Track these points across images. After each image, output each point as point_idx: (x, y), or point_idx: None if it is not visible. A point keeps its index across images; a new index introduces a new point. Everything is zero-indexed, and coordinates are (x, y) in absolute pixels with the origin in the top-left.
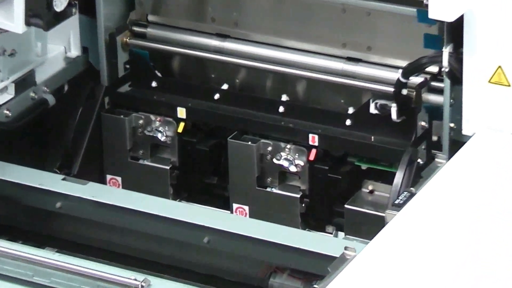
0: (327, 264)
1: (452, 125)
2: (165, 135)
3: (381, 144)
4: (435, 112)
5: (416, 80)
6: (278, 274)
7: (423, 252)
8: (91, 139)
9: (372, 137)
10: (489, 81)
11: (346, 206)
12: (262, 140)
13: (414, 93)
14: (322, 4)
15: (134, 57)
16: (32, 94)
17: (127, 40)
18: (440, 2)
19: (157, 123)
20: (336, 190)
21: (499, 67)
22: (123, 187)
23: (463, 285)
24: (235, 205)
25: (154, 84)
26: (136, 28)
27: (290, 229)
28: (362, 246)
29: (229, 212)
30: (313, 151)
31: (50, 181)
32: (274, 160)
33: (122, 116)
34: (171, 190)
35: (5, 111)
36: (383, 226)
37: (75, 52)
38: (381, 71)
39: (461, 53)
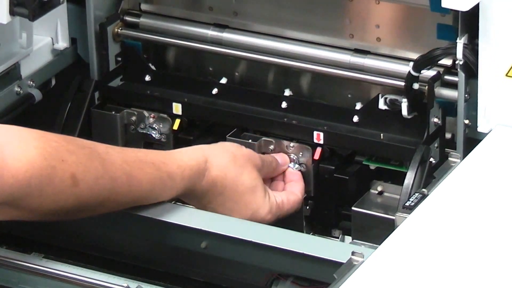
0: (333, 271)
1: (467, 121)
2: (159, 132)
3: (391, 142)
4: (448, 107)
5: (428, 73)
6: (280, 281)
7: (436, 258)
8: (80, 136)
9: (381, 134)
10: (506, 75)
11: (353, 208)
12: (264, 138)
13: (426, 87)
14: None
15: (126, 49)
16: (16, 89)
17: (119, 30)
18: None
19: (151, 120)
20: (342, 191)
21: None
22: None
23: None
24: None
25: (147, 78)
26: (128, 18)
27: (293, 233)
28: (371, 251)
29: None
30: (318, 149)
31: None
32: None
33: (113, 112)
34: None
35: None
36: (393, 229)
37: (63, 43)
38: (391, 64)
39: (477, 45)
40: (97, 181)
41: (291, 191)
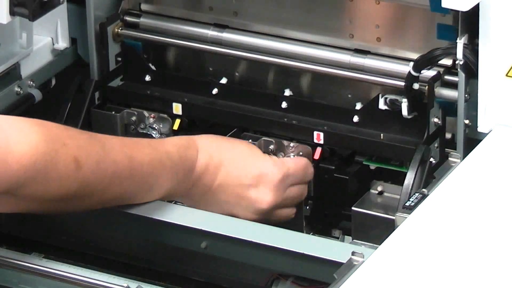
0: (333, 271)
1: (467, 121)
2: (159, 132)
3: (391, 142)
4: (449, 107)
5: (428, 73)
6: (280, 281)
7: (436, 258)
8: None
9: (382, 134)
10: (507, 75)
11: (353, 208)
12: (264, 138)
13: (427, 87)
14: None
15: (126, 49)
16: (17, 89)
17: (119, 30)
18: None
19: (151, 120)
20: (342, 191)
21: None
22: None
23: None
24: None
25: (147, 78)
26: (128, 18)
27: (293, 233)
28: (371, 251)
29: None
30: (318, 149)
31: None
32: None
33: (113, 112)
34: None
35: None
36: (393, 229)
37: (63, 43)
38: (391, 64)
39: (477, 45)
40: (99, 165)
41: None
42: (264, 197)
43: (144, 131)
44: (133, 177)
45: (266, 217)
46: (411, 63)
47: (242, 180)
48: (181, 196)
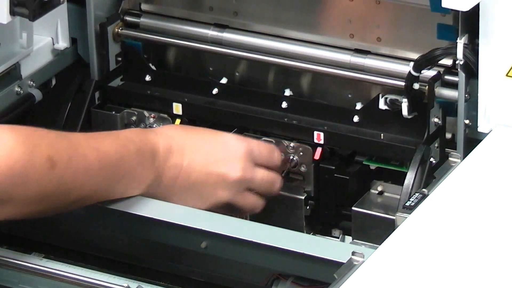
0: (333, 271)
1: (467, 121)
2: None
3: (391, 142)
4: (449, 107)
5: (428, 73)
6: (280, 281)
7: (436, 258)
8: None
9: (382, 134)
10: (507, 75)
11: (353, 208)
12: (264, 138)
13: (427, 87)
14: None
15: (126, 49)
16: (17, 89)
17: (119, 30)
18: None
19: (151, 120)
20: (343, 191)
21: None
22: None
23: None
24: None
25: (147, 78)
26: (128, 18)
27: (293, 233)
28: (371, 251)
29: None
30: (319, 149)
31: None
32: None
33: (113, 112)
34: None
35: None
36: (393, 229)
37: (63, 43)
38: (392, 64)
39: (477, 45)
40: (70, 160)
41: None
42: (232, 170)
43: None
44: (103, 167)
45: (233, 196)
46: (411, 63)
47: (209, 157)
48: (158, 186)
